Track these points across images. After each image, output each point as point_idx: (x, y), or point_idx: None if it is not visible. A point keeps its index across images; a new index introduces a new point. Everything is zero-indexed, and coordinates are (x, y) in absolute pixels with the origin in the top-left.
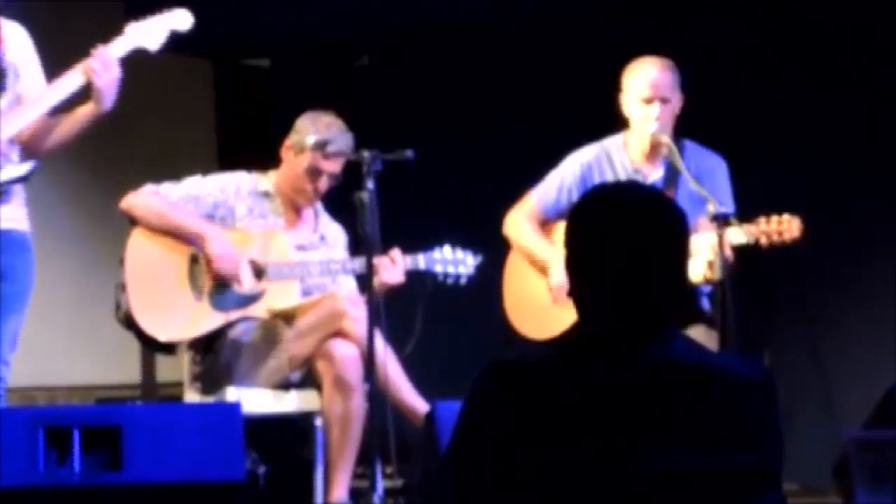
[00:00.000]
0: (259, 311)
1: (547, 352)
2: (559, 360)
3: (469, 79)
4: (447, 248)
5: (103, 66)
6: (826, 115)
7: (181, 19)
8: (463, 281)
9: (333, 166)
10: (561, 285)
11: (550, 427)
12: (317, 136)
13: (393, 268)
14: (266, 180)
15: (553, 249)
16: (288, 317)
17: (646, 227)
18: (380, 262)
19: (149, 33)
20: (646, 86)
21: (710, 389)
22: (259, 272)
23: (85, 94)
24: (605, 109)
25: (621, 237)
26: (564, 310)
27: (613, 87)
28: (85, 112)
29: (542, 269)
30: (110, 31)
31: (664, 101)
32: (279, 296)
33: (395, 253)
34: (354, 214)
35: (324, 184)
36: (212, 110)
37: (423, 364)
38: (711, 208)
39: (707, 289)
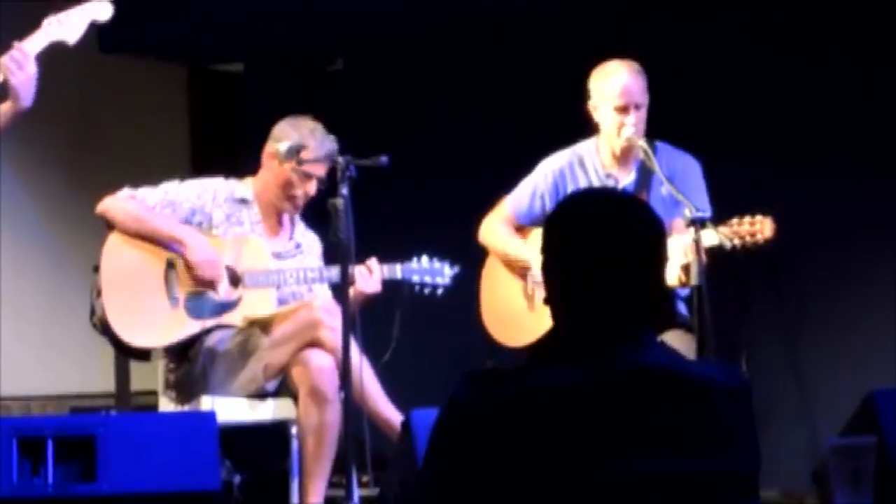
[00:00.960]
0: (235, 319)
1: (522, 361)
2: (533, 370)
3: (446, 84)
4: (424, 259)
5: (18, 64)
6: (800, 111)
7: (101, 10)
8: (440, 292)
9: (318, 170)
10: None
11: (525, 437)
12: (297, 141)
13: (369, 277)
14: (243, 187)
15: (531, 250)
16: (264, 325)
17: (620, 233)
18: (356, 271)
19: (67, 26)
20: (617, 94)
21: (687, 396)
22: (236, 280)
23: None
24: (581, 114)
25: (595, 243)
26: (541, 316)
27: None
28: (3, 110)
29: (522, 272)
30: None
31: (637, 106)
32: (256, 304)
33: (372, 262)
34: (329, 222)
35: (312, 187)
36: (185, 115)
37: (400, 373)
38: (688, 212)
39: (684, 293)
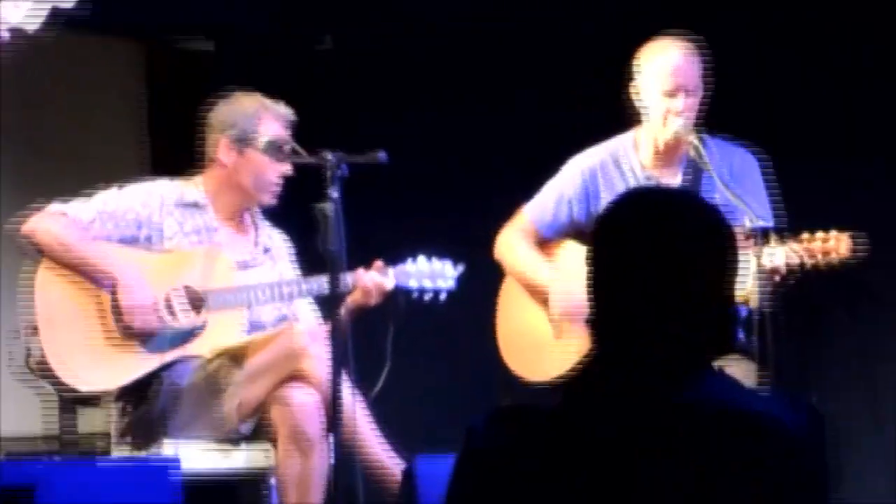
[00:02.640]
0: (200, 349)
1: (554, 395)
2: (569, 407)
3: (451, 67)
4: (422, 259)
5: None
6: (884, 111)
7: None
8: (443, 297)
9: (287, 168)
10: (565, 314)
11: (561, 486)
12: (251, 120)
13: (381, 286)
14: (193, 188)
15: (554, 272)
16: (235, 356)
17: (686, 240)
18: (364, 278)
19: (24, 11)
20: (667, 75)
21: (745, 438)
22: (197, 302)
23: None
24: (612, 103)
25: (654, 252)
26: (567, 346)
27: (621, 77)
28: None
29: (542, 298)
30: None
31: (689, 92)
32: (223, 330)
33: (379, 265)
34: (312, 229)
35: (288, 167)
36: (144, 103)
37: (395, 407)
38: (748, 222)
39: (742, 312)
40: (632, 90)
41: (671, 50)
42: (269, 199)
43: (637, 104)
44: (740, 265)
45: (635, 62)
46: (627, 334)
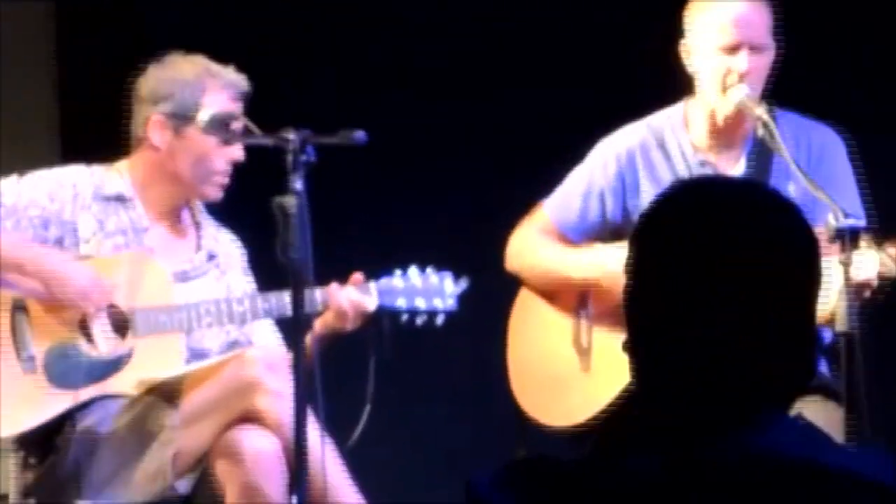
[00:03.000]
0: (125, 384)
1: (581, 446)
2: (600, 461)
3: (450, 25)
4: (413, 272)
5: None
6: None
7: None
8: (439, 320)
9: (237, 151)
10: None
11: None
12: (192, 90)
13: (357, 304)
14: (117, 176)
15: (600, 255)
16: (170, 393)
17: (755, 247)
18: (336, 294)
19: None
20: (727, 25)
21: (824, 499)
22: (121, 324)
23: None
24: (654, 68)
25: (714, 261)
26: (599, 382)
27: (666, 33)
28: None
29: (575, 307)
30: None
31: (755, 49)
32: (155, 360)
33: (357, 278)
34: (270, 229)
35: (239, 150)
36: (52, 67)
37: (378, 458)
38: (833, 219)
39: (827, 337)
40: (681, 50)
41: None
42: (215, 192)
43: (687, 68)
44: (824, 276)
45: (685, 13)
46: (679, 365)
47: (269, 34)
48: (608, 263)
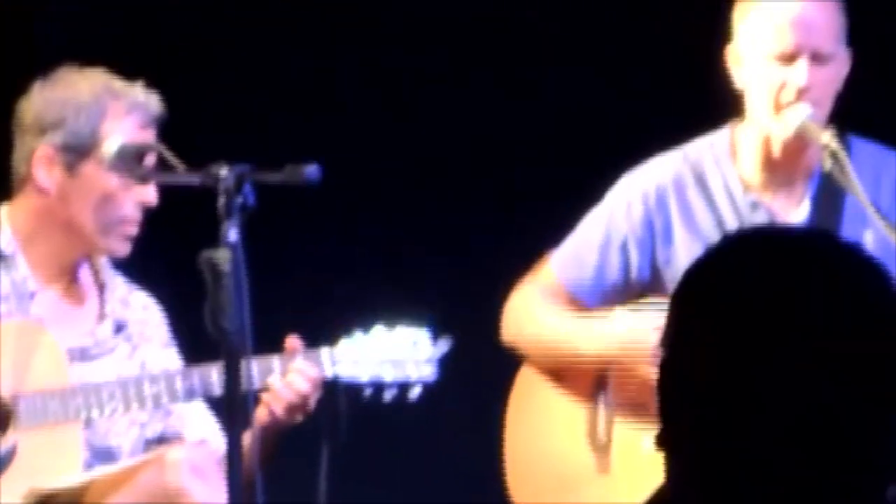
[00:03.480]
0: (8, 495)
1: None
2: None
3: (423, 27)
4: (379, 332)
5: None
6: None
7: None
8: (414, 394)
9: (148, 193)
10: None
11: None
12: (89, 114)
13: (293, 374)
14: None
15: (619, 319)
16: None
17: (836, 321)
18: (277, 366)
19: None
20: (784, 27)
21: None
22: (2, 413)
23: None
24: (693, 84)
25: (783, 339)
26: (619, 482)
27: (706, 42)
28: None
29: (589, 391)
30: None
31: (818, 58)
32: (45, 460)
33: (294, 343)
34: (197, 290)
35: (150, 192)
36: None
37: None
38: None
39: None
40: (727, 58)
41: None
42: (121, 246)
43: (735, 81)
44: None
45: (734, 12)
46: (730, 474)
47: (193, 44)
48: (632, 333)
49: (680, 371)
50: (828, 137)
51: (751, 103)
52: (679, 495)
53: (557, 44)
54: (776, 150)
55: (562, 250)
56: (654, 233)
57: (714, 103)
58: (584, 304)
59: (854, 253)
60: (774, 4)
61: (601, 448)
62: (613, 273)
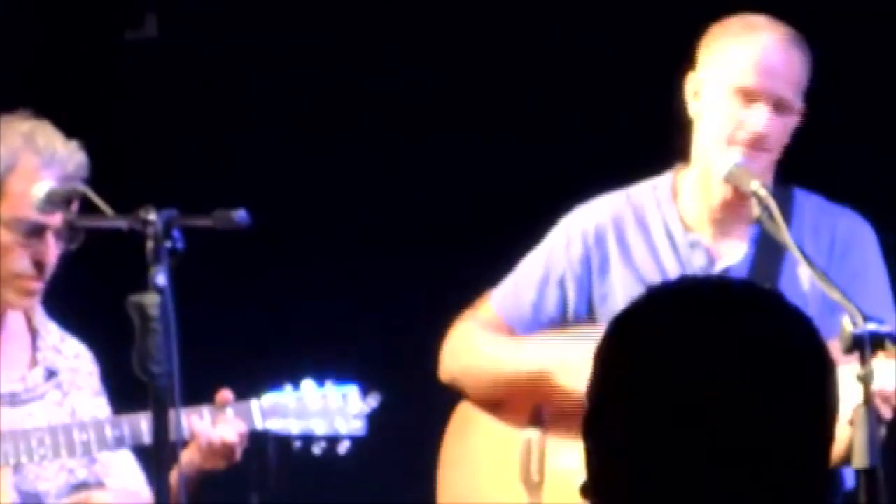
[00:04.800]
0: None
1: None
2: None
3: (360, 67)
4: (308, 386)
5: None
6: None
7: None
8: (343, 448)
9: (56, 213)
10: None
11: None
12: (31, 180)
13: (223, 429)
14: None
15: (549, 347)
16: None
17: (756, 379)
18: (191, 420)
19: None
20: (752, 68)
21: None
22: None
23: None
24: (645, 122)
25: (704, 397)
26: None
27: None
28: None
29: (532, 416)
30: None
31: (779, 106)
32: None
33: (226, 396)
34: (124, 337)
35: (50, 248)
36: None
37: None
38: (848, 324)
39: (848, 481)
40: (686, 84)
41: (762, 31)
42: (19, 300)
43: (690, 110)
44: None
45: (703, 42)
46: None
47: (126, 87)
48: (565, 355)
49: (601, 426)
50: (756, 185)
51: (701, 135)
52: None
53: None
54: (716, 196)
55: (502, 287)
56: (591, 270)
57: (658, 147)
58: (519, 336)
59: (779, 306)
60: (747, 42)
61: (533, 487)
62: (551, 308)
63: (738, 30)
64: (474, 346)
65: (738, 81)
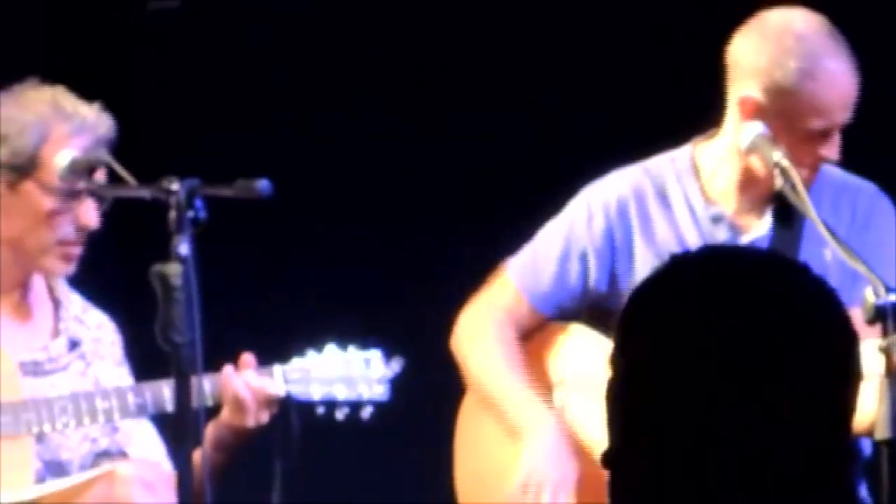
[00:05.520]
0: None
1: None
2: None
3: (375, 40)
4: (331, 352)
5: None
6: None
7: None
8: (366, 413)
9: (96, 176)
10: (525, 479)
11: None
12: (52, 152)
13: (249, 395)
14: None
15: (538, 405)
16: None
17: (777, 346)
18: (229, 379)
19: None
20: (829, 109)
21: None
22: None
23: None
24: (655, 95)
25: (725, 364)
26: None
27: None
28: None
29: (513, 433)
30: None
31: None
32: None
33: (249, 361)
34: (148, 305)
35: (90, 213)
36: None
37: None
38: (871, 295)
39: (866, 450)
40: (731, 88)
41: (837, 59)
42: (60, 266)
43: (730, 106)
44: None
45: (744, 49)
46: (672, 494)
47: (148, 58)
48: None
49: (623, 396)
50: (779, 156)
51: (732, 133)
52: None
53: (516, 56)
54: (738, 168)
55: (520, 258)
56: (614, 243)
57: (675, 121)
58: (541, 312)
59: (801, 276)
60: (822, 80)
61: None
62: (572, 282)
63: (807, 61)
64: (476, 340)
65: (813, 125)
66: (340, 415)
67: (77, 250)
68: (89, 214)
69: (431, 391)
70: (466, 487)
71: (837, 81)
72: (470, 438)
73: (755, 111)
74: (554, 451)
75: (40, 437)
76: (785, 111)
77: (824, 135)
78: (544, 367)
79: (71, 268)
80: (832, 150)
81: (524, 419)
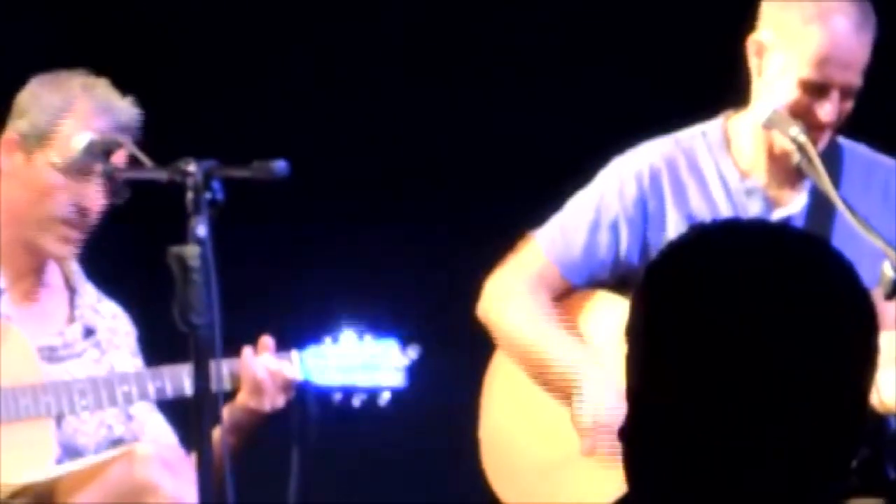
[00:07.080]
0: None
1: None
2: None
3: (397, 15)
4: (348, 339)
5: None
6: None
7: None
8: (383, 401)
9: (117, 158)
10: (594, 422)
11: None
12: (58, 110)
13: (269, 378)
14: None
15: (586, 351)
16: (41, 500)
17: (795, 322)
18: (247, 363)
19: None
20: (823, 60)
21: None
22: None
23: None
24: (681, 63)
25: (742, 341)
26: (593, 471)
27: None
28: None
29: (562, 392)
30: None
31: (846, 90)
32: (17, 455)
33: (268, 343)
34: (166, 288)
35: (96, 195)
36: None
37: None
38: (889, 270)
39: (892, 425)
40: (750, 44)
41: (835, 10)
42: (56, 246)
43: (754, 69)
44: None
45: (767, 11)
46: (688, 467)
47: (166, 41)
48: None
49: (640, 370)
50: (796, 131)
51: (758, 104)
52: (633, 487)
53: (538, 30)
54: (767, 147)
55: (549, 229)
56: (647, 214)
57: (705, 93)
58: (571, 282)
59: (821, 252)
60: (819, 31)
61: (578, 431)
62: (603, 252)
63: (810, 12)
64: (508, 303)
65: (809, 75)
66: (358, 402)
67: (76, 234)
68: (92, 196)
69: (448, 379)
70: (495, 463)
71: (840, 37)
72: (493, 412)
73: (761, 50)
74: (613, 394)
75: (57, 422)
76: (785, 54)
77: (821, 92)
78: (571, 334)
79: (71, 251)
80: (829, 112)
81: (575, 367)
